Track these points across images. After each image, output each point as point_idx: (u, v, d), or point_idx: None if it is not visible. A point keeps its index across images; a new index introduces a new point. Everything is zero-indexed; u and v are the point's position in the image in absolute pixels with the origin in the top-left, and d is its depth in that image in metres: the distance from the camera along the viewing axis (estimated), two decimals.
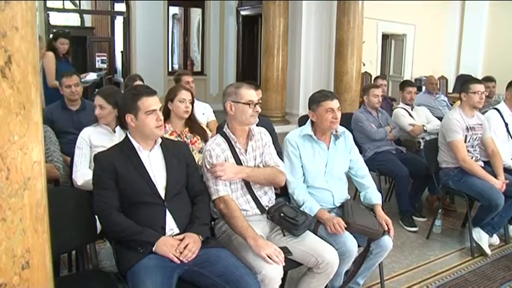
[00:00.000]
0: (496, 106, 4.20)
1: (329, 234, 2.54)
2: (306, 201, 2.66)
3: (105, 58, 10.25)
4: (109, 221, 2.15)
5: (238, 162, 2.45)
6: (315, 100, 2.76)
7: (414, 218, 4.23)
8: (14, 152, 1.13)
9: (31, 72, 1.16)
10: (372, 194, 2.83)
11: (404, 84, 5.05)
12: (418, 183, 4.35)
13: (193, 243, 2.11)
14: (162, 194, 2.22)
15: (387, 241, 2.64)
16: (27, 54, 1.14)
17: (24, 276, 1.20)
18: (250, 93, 2.43)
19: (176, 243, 2.10)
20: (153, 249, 2.08)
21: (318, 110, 2.73)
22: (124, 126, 2.88)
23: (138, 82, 4.18)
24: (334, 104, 2.71)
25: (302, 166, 2.75)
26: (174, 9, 11.74)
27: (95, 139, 2.92)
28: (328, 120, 2.71)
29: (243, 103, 2.40)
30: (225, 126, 2.53)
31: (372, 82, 5.70)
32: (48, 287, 1.32)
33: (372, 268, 2.78)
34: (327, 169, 2.79)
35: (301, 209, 2.61)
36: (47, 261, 1.30)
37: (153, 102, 2.21)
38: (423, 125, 4.72)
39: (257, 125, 2.58)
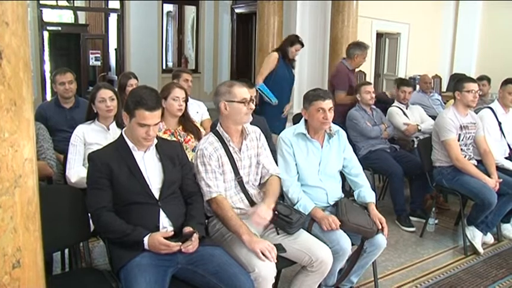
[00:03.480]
0: (490, 105, 4.21)
1: (323, 233, 2.54)
2: (301, 199, 2.65)
3: (98, 55, 10.20)
4: (99, 223, 2.14)
5: (232, 160, 2.44)
6: (307, 99, 2.76)
7: (411, 218, 4.21)
8: (5, 149, 1.12)
9: (22, 69, 1.14)
10: (366, 193, 2.82)
11: (401, 83, 5.03)
12: (417, 183, 4.33)
13: (197, 237, 2.12)
14: (156, 194, 2.21)
15: (381, 240, 2.64)
16: (18, 50, 1.12)
17: (15, 275, 1.19)
18: (243, 91, 2.42)
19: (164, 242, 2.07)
20: (146, 247, 2.07)
21: (310, 108, 2.73)
22: (120, 124, 2.89)
23: (133, 80, 4.15)
24: (326, 104, 2.69)
25: (296, 164, 2.75)
26: (168, 7, 11.70)
27: (89, 136, 2.91)
28: (318, 120, 2.71)
29: (238, 102, 2.39)
30: (218, 124, 2.51)
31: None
32: (40, 286, 1.31)
33: (365, 266, 2.78)
34: (321, 167, 2.79)
35: (295, 207, 2.61)
36: (38, 260, 1.29)
37: (149, 117, 2.14)
38: (417, 125, 4.72)
39: (251, 123, 2.57)
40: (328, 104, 2.69)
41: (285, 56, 4.95)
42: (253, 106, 2.46)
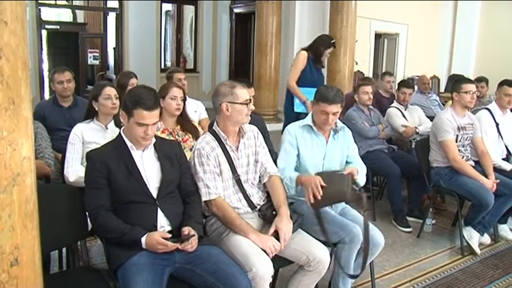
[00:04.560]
0: (487, 106, 4.22)
1: (335, 225, 2.55)
2: (287, 174, 2.66)
3: (97, 54, 10.19)
4: (97, 222, 2.14)
5: (229, 159, 2.44)
6: (316, 96, 2.77)
7: (408, 218, 4.22)
8: (3, 148, 1.12)
9: (21, 67, 1.15)
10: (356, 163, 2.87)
11: (401, 84, 5.04)
12: (414, 184, 4.33)
13: (195, 239, 2.13)
14: (154, 194, 2.21)
15: (378, 238, 2.65)
16: (16, 49, 1.13)
17: (13, 273, 1.19)
18: (245, 93, 2.43)
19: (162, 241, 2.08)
20: (144, 246, 2.07)
21: (316, 106, 2.76)
22: (118, 123, 2.89)
23: (134, 80, 4.13)
24: (331, 108, 2.68)
25: (299, 155, 2.77)
26: (167, 6, 11.70)
27: (87, 135, 2.91)
28: (320, 120, 2.75)
29: (240, 103, 2.39)
30: (215, 124, 2.51)
31: (380, 78, 5.70)
32: (38, 284, 1.31)
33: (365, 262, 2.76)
34: (325, 162, 2.81)
35: (283, 181, 2.62)
36: (36, 258, 1.29)
37: (147, 117, 2.14)
38: (415, 127, 4.73)
39: (249, 123, 2.58)
40: (333, 108, 2.68)
41: (316, 56, 4.78)
42: (253, 107, 2.47)
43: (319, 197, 2.49)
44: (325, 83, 4.88)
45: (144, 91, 2.19)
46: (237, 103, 2.39)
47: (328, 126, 2.77)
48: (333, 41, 4.86)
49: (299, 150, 2.77)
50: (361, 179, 2.82)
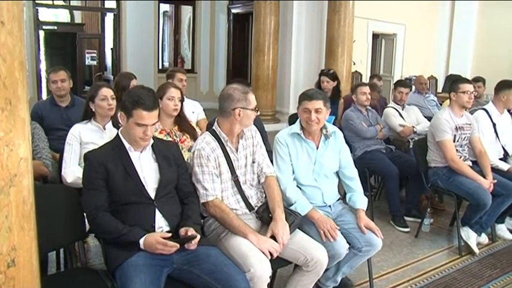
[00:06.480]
0: (484, 106, 4.23)
1: (319, 236, 2.53)
2: (298, 200, 2.65)
3: (94, 55, 10.18)
4: (95, 223, 2.14)
5: (229, 160, 2.44)
6: (299, 98, 2.81)
7: (406, 218, 4.22)
8: (0, 148, 1.12)
9: (18, 68, 1.14)
10: (357, 198, 2.81)
11: (397, 83, 5.05)
12: (412, 184, 4.34)
13: (196, 240, 2.13)
14: (152, 194, 2.21)
15: (376, 240, 2.63)
16: (13, 49, 1.12)
17: (10, 274, 1.18)
18: (254, 98, 2.46)
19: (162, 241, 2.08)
20: (142, 247, 2.07)
21: (299, 108, 2.77)
22: (116, 124, 2.88)
23: (135, 81, 4.11)
24: (311, 105, 2.68)
25: (291, 164, 2.76)
26: (165, 7, 11.70)
27: (85, 136, 2.91)
28: (304, 120, 2.74)
29: (251, 109, 2.42)
30: (215, 124, 2.51)
31: (368, 81, 5.73)
32: (35, 285, 1.30)
33: (354, 267, 2.73)
34: (316, 167, 2.79)
35: (292, 207, 2.61)
36: (33, 259, 1.29)
37: (147, 117, 2.14)
38: (413, 126, 4.73)
39: None
40: (313, 104, 2.68)
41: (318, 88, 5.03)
42: (258, 112, 2.51)
43: (336, 239, 2.51)
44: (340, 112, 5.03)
45: (144, 91, 2.19)
46: (249, 109, 2.41)
47: (312, 127, 2.73)
48: (323, 71, 5.35)
49: (291, 158, 2.76)
50: (362, 202, 2.79)
